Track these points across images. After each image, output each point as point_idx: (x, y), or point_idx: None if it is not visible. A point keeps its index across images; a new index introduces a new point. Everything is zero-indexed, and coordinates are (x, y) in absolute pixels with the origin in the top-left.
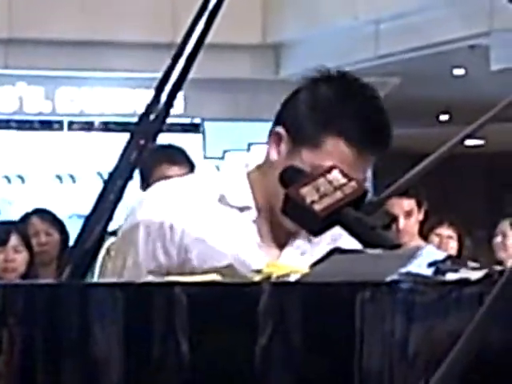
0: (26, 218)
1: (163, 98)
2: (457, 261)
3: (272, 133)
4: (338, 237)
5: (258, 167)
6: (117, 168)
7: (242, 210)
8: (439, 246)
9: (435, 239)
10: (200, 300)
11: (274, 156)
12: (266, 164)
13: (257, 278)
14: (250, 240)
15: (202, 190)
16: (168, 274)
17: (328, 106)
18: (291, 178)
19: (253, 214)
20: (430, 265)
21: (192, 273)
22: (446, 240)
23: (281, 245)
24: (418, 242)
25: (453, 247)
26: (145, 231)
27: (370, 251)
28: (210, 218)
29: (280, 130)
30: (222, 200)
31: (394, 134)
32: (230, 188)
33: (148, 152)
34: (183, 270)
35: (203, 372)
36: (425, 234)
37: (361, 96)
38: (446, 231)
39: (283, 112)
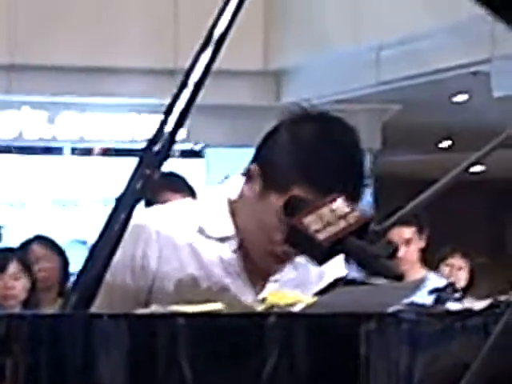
0: (26, 244)
1: (169, 125)
2: (457, 289)
3: (247, 170)
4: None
5: (239, 202)
6: (123, 196)
7: (222, 240)
8: (449, 276)
9: (446, 269)
10: (204, 331)
11: (247, 193)
12: (243, 198)
13: (260, 307)
14: (230, 271)
15: (181, 221)
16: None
17: (301, 154)
18: (295, 207)
19: (233, 244)
20: (431, 292)
21: (195, 301)
22: (456, 271)
23: (255, 283)
24: (419, 269)
25: (462, 278)
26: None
27: (373, 281)
28: (189, 249)
29: (254, 168)
30: (200, 231)
31: (395, 160)
32: (209, 218)
33: (153, 181)
34: (155, 298)
35: None
36: (436, 263)
37: (336, 145)
38: (457, 262)
39: (261, 149)
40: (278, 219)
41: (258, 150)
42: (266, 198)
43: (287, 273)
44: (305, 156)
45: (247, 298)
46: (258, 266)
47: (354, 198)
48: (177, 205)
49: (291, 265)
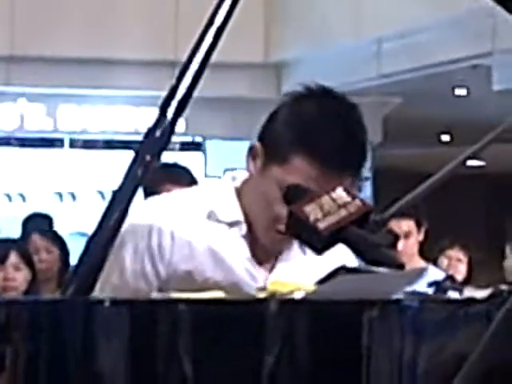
0: (26, 235)
1: (168, 115)
2: (456, 281)
3: (251, 147)
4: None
5: (244, 186)
6: (122, 185)
7: (231, 225)
8: (448, 268)
9: (444, 261)
10: (205, 317)
11: (251, 170)
12: (248, 177)
13: (261, 295)
14: (240, 254)
15: (191, 207)
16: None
17: (302, 124)
18: (295, 195)
19: (243, 228)
20: (430, 285)
21: (197, 289)
22: (455, 263)
23: (260, 263)
24: (418, 262)
25: (461, 271)
26: (132, 249)
27: (374, 270)
28: (199, 233)
29: (256, 144)
30: (211, 216)
31: (396, 153)
32: (218, 203)
33: (153, 170)
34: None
35: None
36: (435, 255)
37: (337, 117)
38: (456, 254)
39: (264, 128)
40: (280, 191)
41: (261, 129)
42: (268, 171)
43: (297, 254)
44: (304, 127)
45: (257, 282)
46: (266, 248)
47: (353, 172)
48: (184, 192)
49: (300, 248)
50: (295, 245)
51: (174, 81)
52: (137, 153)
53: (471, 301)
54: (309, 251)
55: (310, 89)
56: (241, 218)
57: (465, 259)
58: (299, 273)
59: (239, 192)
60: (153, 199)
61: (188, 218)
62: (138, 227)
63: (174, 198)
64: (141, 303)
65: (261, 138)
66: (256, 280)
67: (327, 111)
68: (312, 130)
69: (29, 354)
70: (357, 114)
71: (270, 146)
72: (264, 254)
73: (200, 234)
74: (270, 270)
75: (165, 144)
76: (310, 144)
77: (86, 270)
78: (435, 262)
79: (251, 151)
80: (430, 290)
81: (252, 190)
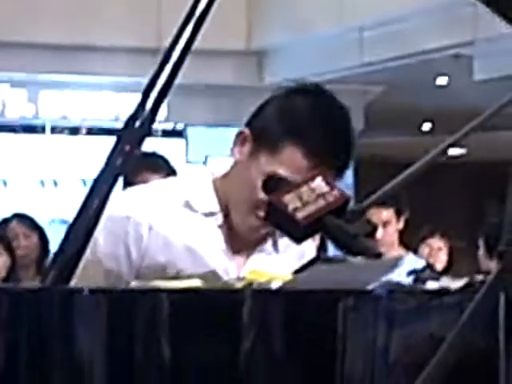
0: (4, 222)
1: (149, 103)
2: (435, 270)
3: (239, 133)
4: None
5: (225, 175)
6: (102, 173)
7: (206, 215)
8: (428, 257)
9: (425, 250)
10: (183, 306)
11: (237, 156)
12: (233, 164)
13: (239, 284)
14: (215, 245)
15: (168, 198)
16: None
17: (293, 114)
18: (274, 185)
19: (219, 219)
20: (410, 273)
21: (174, 277)
22: (436, 251)
23: (237, 252)
24: (398, 251)
25: (442, 259)
26: (107, 233)
27: (351, 259)
28: (175, 223)
29: (245, 130)
30: (186, 205)
31: (377, 141)
32: (194, 193)
33: (133, 159)
34: (145, 276)
35: (186, 378)
36: (415, 244)
37: (328, 111)
38: (436, 243)
39: (253, 115)
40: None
41: (250, 117)
42: (255, 158)
43: (270, 250)
44: (298, 119)
45: (229, 275)
46: (242, 238)
47: (337, 170)
48: (162, 182)
49: (273, 247)
50: (269, 242)
51: (155, 68)
52: (117, 141)
53: (444, 291)
54: (282, 250)
55: (304, 85)
56: (216, 208)
57: (445, 248)
58: (271, 266)
59: (217, 184)
60: (131, 190)
61: (165, 208)
62: (115, 218)
63: (151, 188)
64: (119, 292)
65: (250, 125)
66: (228, 273)
67: (320, 107)
68: (305, 123)
69: (8, 343)
70: (347, 115)
71: (261, 134)
72: (240, 245)
73: (176, 225)
74: (246, 262)
75: (146, 133)
76: (304, 136)
77: (66, 257)
78: (416, 251)
79: (239, 136)
80: (409, 279)
81: (235, 175)
